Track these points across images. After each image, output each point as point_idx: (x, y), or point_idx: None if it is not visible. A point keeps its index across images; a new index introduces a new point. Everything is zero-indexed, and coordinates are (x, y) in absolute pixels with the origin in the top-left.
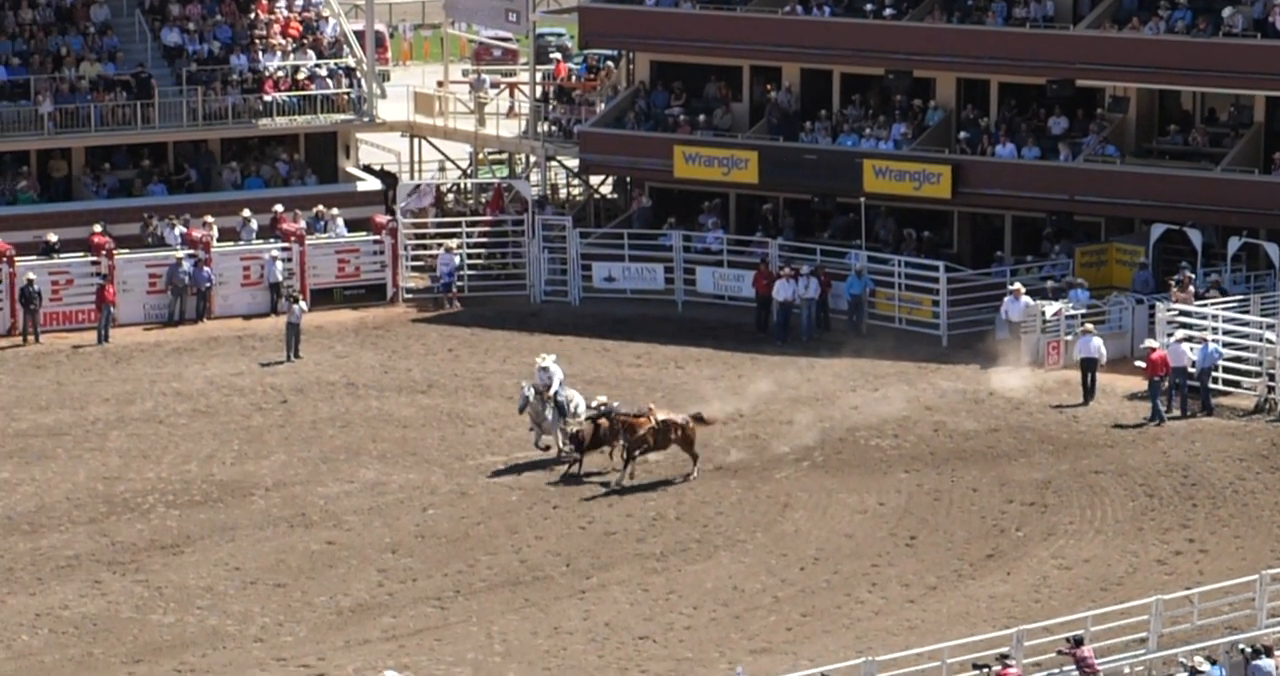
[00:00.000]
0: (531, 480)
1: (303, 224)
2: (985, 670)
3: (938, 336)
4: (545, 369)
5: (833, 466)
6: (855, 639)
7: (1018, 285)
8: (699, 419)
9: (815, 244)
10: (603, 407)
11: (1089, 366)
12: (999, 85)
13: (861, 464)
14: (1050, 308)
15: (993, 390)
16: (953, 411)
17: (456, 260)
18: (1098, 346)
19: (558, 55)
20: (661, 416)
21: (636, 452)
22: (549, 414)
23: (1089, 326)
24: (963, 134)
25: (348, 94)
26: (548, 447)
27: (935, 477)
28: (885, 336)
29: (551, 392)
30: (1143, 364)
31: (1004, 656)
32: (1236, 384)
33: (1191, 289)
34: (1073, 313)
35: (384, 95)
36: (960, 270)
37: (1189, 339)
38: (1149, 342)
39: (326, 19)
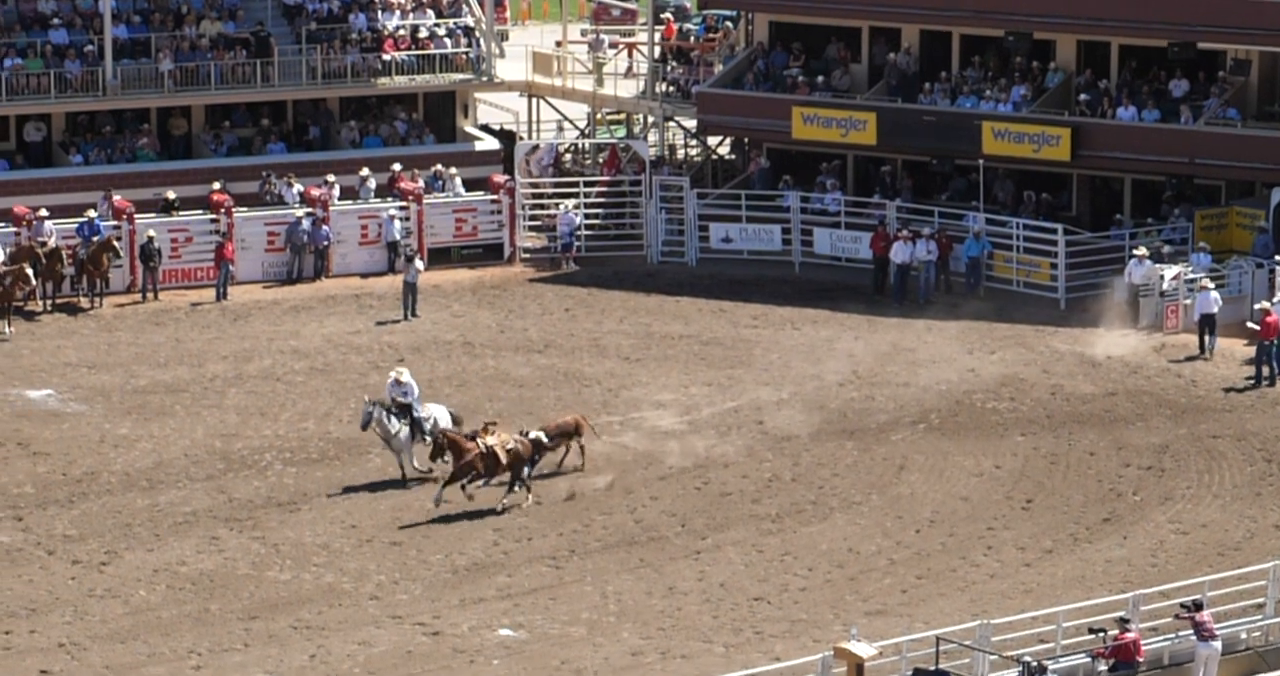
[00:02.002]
0: (647, 440)
1: (421, 183)
2: (1102, 634)
3: (1055, 299)
4: (400, 382)
5: (949, 429)
6: (970, 602)
7: (1142, 249)
8: (538, 444)
9: (933, 206)
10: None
11: (1207, 322)
12: (1119, 47)
13: (978, 427)
14: (1170, 271)
15: (1110, 353)
16: (1070, 375)
17: (577, 220)
18: (1215, 299)
19: (669, 15)
20: (491, 440)
21: (465, 480)
22: (400, 432)
23: (1206, 282)
24: (1083, 96)
25: (466, 53)
26: (416, 475)
27: (1052, 441)
28: (1003, 299)
29: (401, 402)
30: (1257, 326)
31: (1122, 620)
32: None
33: None
34: (1193, 276)
35: (502, 55)
36: (1079, 233)
37: None
38: (1263, 304)
39: None
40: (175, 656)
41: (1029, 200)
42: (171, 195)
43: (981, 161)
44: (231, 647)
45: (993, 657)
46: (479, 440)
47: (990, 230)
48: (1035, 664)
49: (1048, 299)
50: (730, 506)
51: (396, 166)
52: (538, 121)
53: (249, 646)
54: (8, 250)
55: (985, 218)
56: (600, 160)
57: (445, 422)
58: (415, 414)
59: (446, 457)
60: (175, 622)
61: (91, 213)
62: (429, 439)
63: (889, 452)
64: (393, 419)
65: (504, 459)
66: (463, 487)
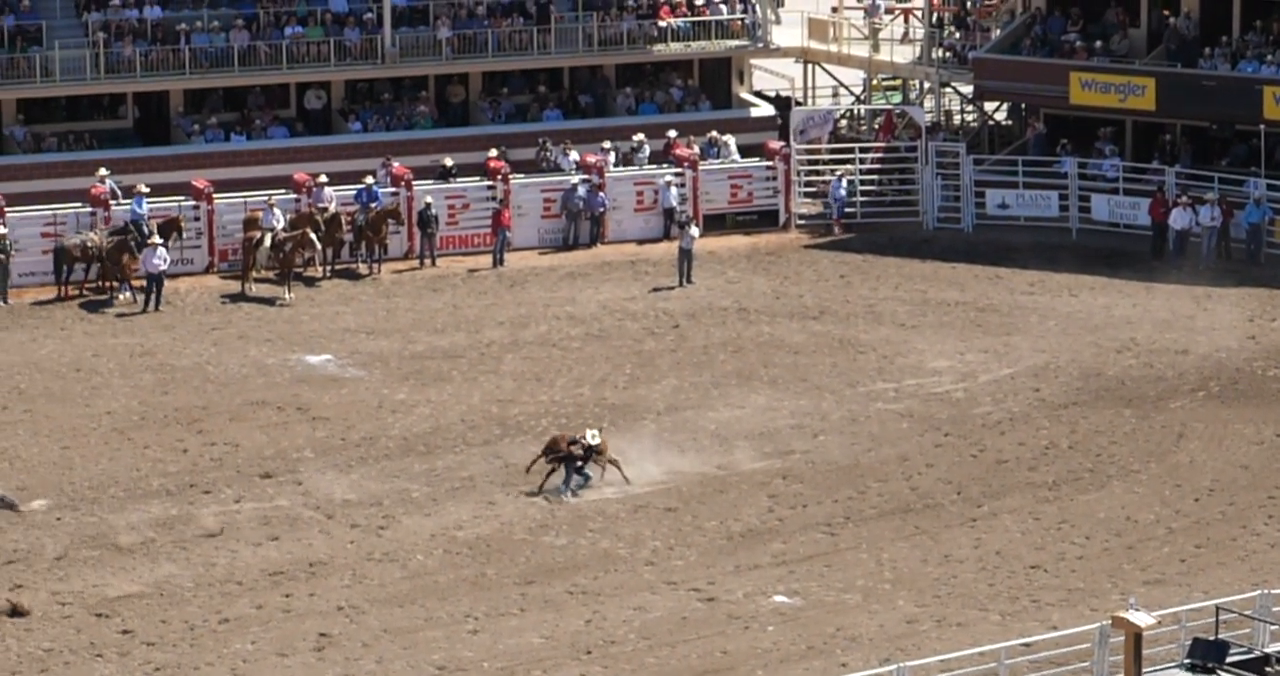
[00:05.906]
0: (923, 407)
1: (696, 149)
2: None
3: None
4: None
5: (1229, 397)
6: (1250, 571)
7: None
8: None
9: (1213, 172)
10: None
11: None
12: None
13: (1258, 394)
14: None
15: None
16: None
17: (848, 186)
18: None
19: None
20: None
21: None
22: None
23: None
24: None
25: (742, 19)
26: None
27: None
28: None
29: None
30: None
31: None
32: None
33: None
34: None
35: (778, 21)
36: None
37: None
38: None
39: None
40: (452, 620)
41: None
42: (449, 162)
43: (1263, 127)
44: (508, 612)
45: (1274, 628)
46: None
47: (1271, 197)
48: None
49: None
50: (1006, 474)
51: (672, 133)
52: (813, 88)
53: (525, 611)
54: (288, 216)
55: (1266, 184)
56: (876, 126)
57: None
58: None
59: None
60: (452, 587)
61: (370, 179)
62: None
63: (1167, 420)
64: None
65: None
66: None
